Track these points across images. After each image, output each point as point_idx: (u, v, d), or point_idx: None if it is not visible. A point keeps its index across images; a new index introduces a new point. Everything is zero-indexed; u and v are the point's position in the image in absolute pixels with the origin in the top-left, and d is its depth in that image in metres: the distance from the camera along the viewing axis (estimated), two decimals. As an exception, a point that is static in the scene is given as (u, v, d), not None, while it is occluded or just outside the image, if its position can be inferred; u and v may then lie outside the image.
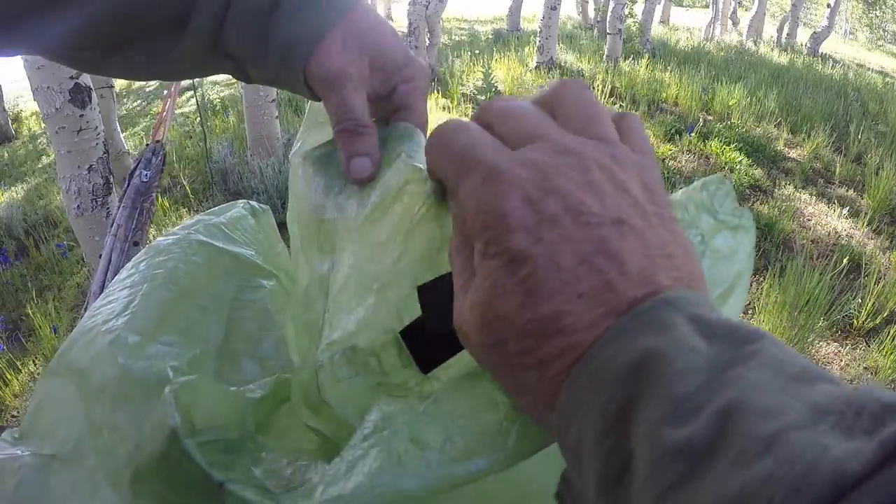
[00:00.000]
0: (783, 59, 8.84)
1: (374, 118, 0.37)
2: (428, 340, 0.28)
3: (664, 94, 5.72)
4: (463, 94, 5.54)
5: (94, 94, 2.44)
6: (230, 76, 0.42)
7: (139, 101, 9.19)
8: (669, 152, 4.33)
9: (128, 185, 2.02)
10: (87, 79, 2.41)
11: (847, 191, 4.13)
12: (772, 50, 9.87)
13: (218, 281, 0.36)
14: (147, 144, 2.16)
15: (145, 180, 2.02)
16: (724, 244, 0.30)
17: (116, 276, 0.37)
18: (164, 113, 2.23)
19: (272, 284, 0.39)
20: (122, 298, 0.34)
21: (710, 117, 5.29)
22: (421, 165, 0.30)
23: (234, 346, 0.35)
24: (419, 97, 0.38)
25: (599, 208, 0.21)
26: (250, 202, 0.42)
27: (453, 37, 10.39)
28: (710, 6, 12.16)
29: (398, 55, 0.37)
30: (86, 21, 0.33)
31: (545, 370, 0.20)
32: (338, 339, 0.30)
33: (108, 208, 2.36)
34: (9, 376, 2.23)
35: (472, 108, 5.23)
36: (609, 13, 6.82)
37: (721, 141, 4.50)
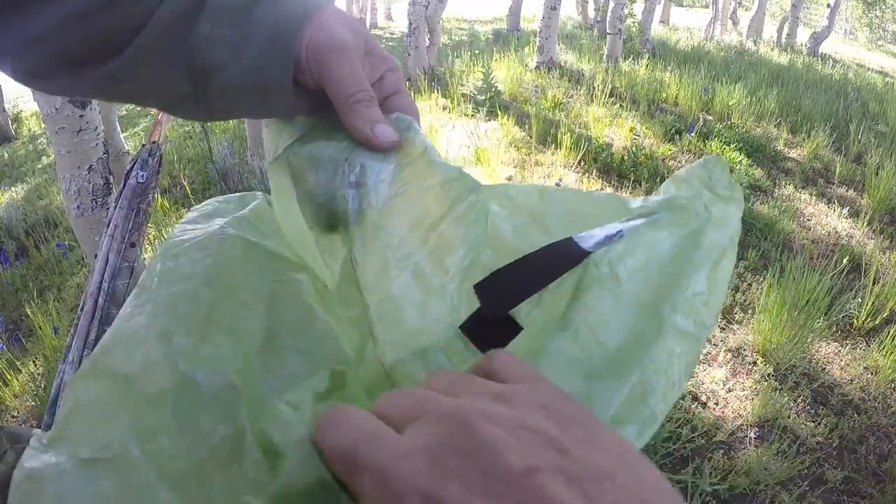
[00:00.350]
0: (783, 59, 8.84)
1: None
2: (487, 328, 0.31)
3: (664, 94, 5.72)
4: (463, 95, 5.53)
5: (93, 95, 2.44)
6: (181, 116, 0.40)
7: (139, 102, 9.16)
8: (669, 152, 4.33)
9: (124, 186, 2.02)
10: (86, 79, 2.41)
11: (847, 191, 4.13)
12: (772, 50, 9.87)
13: (254, 276, 0.36)
14: (143, 145, 2.16)
15: (142, 181, 2.02)
16: (719, 213, 0.33)
17: (146, 274, 0.35)
18: (162, 115, 2.23)
19: (305, 277, 0.39)
20: (164, 298, 0.33)
21: (710, 117, 5.29)
22: (445, 163, 0.35)
23: (278, 340, 0.35)
24: (403, 85, 0.40)
25: (504, 467, 0.18)
26: (266, 194, 0.41)
27: (453, 37, 10.39)
28: (710, 6, 12.16)
29: (380, 48, 0.39)
30: (54, 23, 0.33)
31: None
32: (400, 339, 0.33)
33: (108, 208, 2.36)
34: (9, 376, 2.23)
35: (472, 107, 5.23)
36: (609, 13, 6.82)
37: (721, 141, 4.50)
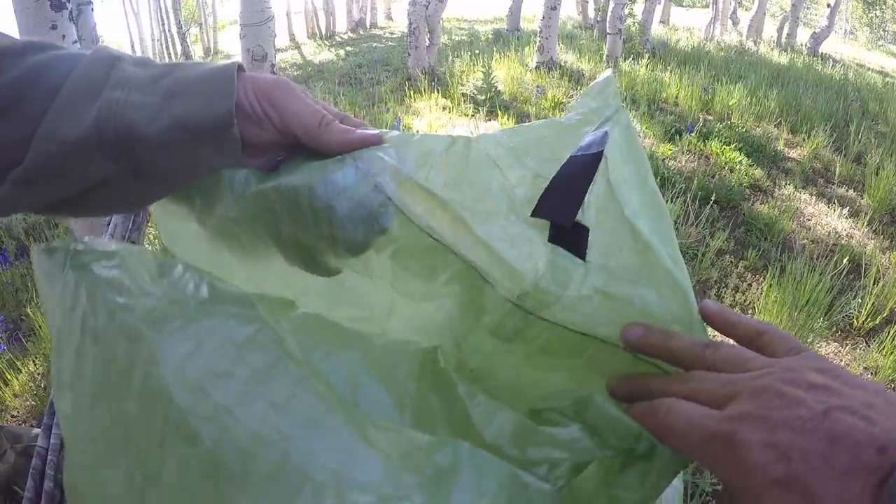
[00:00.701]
0: (783, 59, 8.84)
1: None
2: (566, 237, 0.36)
3: (664, 94, 5.72)
4: (463, 94, 5.53)
5: (93, 95, 2.44)
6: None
7: (139, 101, 9.12)
8: (669, 152, 4.33)
9: (127, 185, 2.02)
10: (86, 79, 2.40)
11: (847, 191, 4.13)
12: (772, 50, 9.87)
13: (269, 344, 0.33)
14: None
15: (145, 180, 2.02)
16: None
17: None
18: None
19: (302, 311, 0.38)
20: (270, 442, 0.26)
21: (710, 117, 5.29)
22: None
23: (361, 386, 0.36)
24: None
25: (810, 412, 0.27)
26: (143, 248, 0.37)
27: (453, 37, 10.38)
28: (710, 6, 12.16)
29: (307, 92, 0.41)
30: None
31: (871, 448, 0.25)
32: (513, 272, 0.36)
33: (107, 208, 2.35)
34: (9, 376, 2.23)
35: (472, 107, 5.23)
36: (609, 13, 6.82)
37: (721, 141, 4.50)
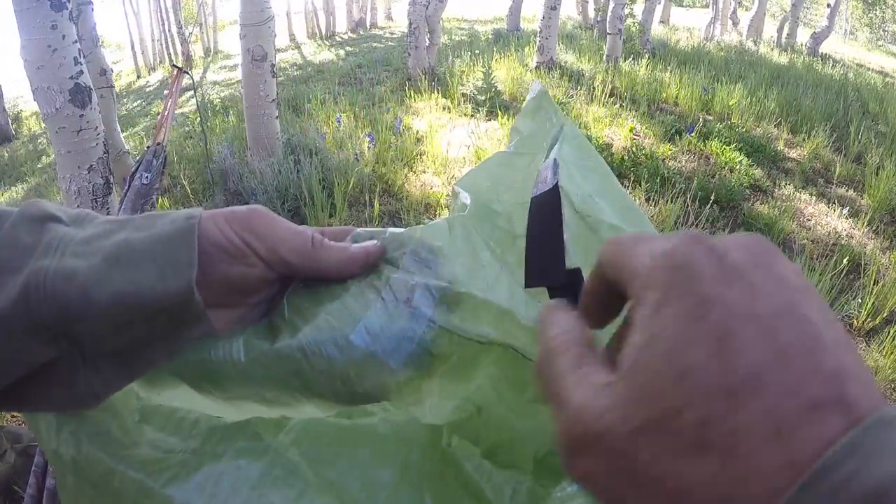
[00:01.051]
0: (783, 59, 8.84)
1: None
2: (566, 289, 0.34)
3: (664, 94, 5.72)
4: (463, 94, 5.53)
5: (94, 94, 2.44)
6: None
7: (139, 101, 9.19)
8: (670, 152, 4.33)
9: (128, 188, 2.02)
10: (86, 79, 2.41)
11: (847, 191, 4.13)
12: (772, 50, 9.87)
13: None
14: (148, 146, 2.16)
15: (146, 182, 2.02)
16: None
17: None
18: (166, 114, 2.23)
19: (296, 419, 0.35)
20: None
21: (710, 117, 5.29)
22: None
23: (375, 482, 0.35)
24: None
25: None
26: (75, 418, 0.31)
27: (453, 37, 10.38)
28: (710, 6, 12.17)
29: None
30: None
31: (733, 450, 0.16)
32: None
33: (108, 208, 2.36)
34: (9, 376, 2.23)
35: (472, 107, 5.23)
36: (609, 13, 6.82)
37: (721, 141, 4.50)
